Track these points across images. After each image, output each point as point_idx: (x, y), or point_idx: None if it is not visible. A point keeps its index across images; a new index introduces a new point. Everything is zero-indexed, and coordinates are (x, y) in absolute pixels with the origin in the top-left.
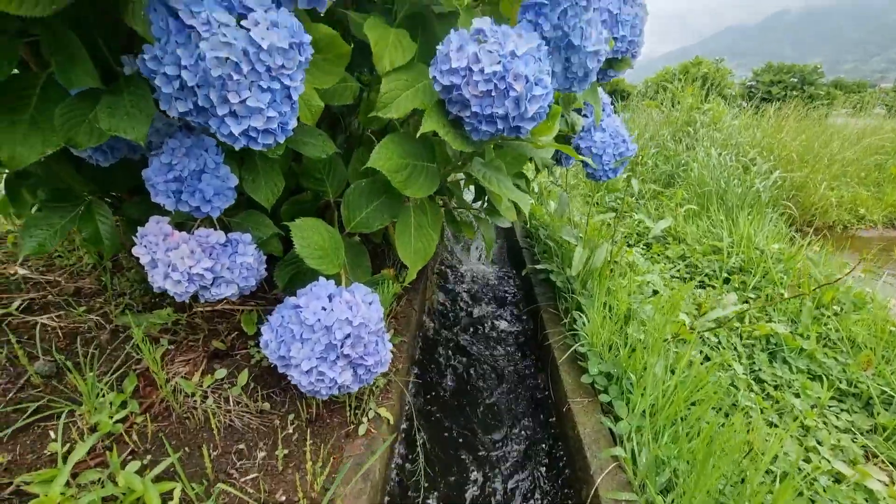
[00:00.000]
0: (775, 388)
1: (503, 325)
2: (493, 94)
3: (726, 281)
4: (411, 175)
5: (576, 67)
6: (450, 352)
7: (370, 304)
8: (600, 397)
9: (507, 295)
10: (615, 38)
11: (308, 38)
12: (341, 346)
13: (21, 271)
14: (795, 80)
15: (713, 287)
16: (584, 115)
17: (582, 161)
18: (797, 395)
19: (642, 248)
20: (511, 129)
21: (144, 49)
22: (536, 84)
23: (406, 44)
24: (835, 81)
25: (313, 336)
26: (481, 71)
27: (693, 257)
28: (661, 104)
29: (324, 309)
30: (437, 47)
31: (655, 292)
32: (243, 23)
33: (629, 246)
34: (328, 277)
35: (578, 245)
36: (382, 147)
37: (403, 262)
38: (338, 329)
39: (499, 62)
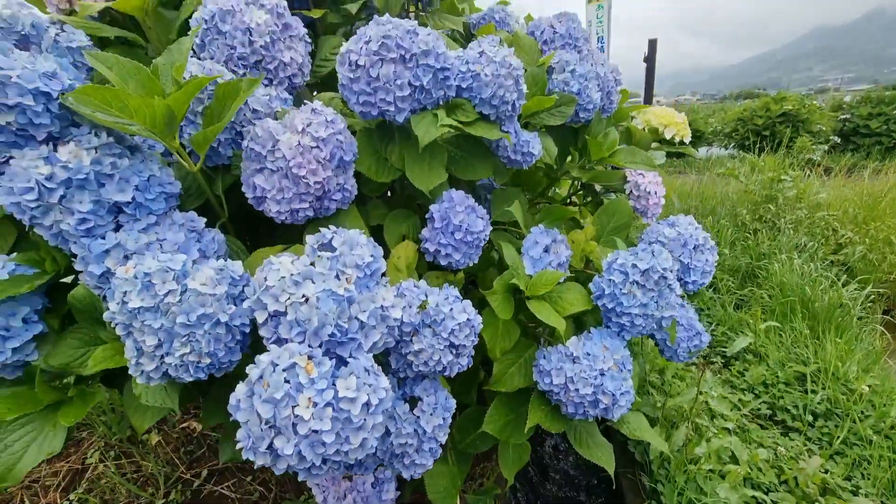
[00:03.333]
0: None
1: (581, 482)
2: (586, 403)
3: (811, 424)
4: (515, 427)
5: (653, 321)
6: None
7: None
8: None
9: None
10: (686, 282)
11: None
12: None
13: (199, 426)
14: None
15: (797, 432)
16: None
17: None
18: None
19: (719, 361)
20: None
21: None
22: (622, 395)
23: (511, 329)
24: None
25: None
26: (577, 391)
27: (775, 387)
28: (739, 175)
29: None
30: (540, 360)
31: (733, 457)
32: (415, 410)
33: (709, 362)
34: None
35: (656, 427)
36: (492, 411)
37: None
38: None
39: (590, 385)
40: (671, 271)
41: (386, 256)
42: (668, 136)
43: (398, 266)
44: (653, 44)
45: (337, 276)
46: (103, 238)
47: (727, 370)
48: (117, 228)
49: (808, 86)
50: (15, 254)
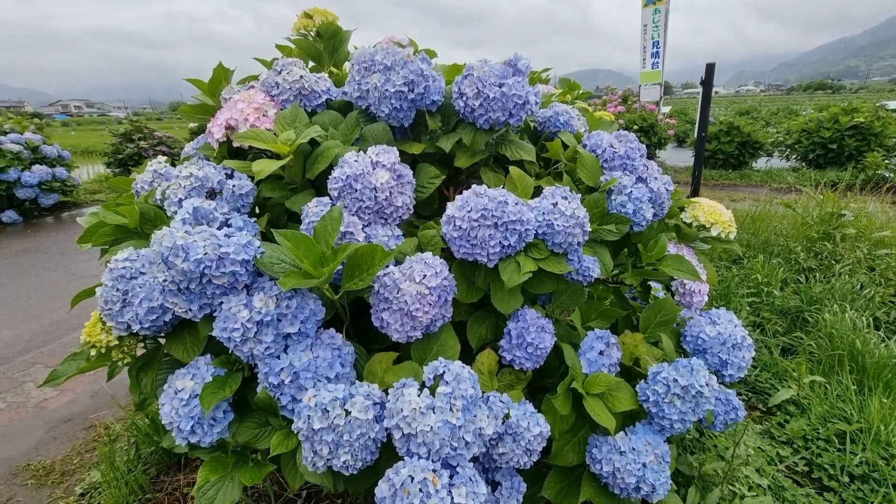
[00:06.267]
0: None
1: None
2: (630, 489)
3: (847, 486)
4: (568, 492)
5: (691, 423)
6: None
7: None
8: None
9: None
10: (723, 375)
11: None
12: None
13: None
14: None
15: (833, 492)
16: None
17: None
18: None
19: (761, 408)
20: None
21: None
22: (661, 484)
23: (569, 416)
24: None
25: None
26: (622, 479)
27: (815, 443)
28: (796, 207)
29: None
30: (592, 449)
31: None
32: (496, 492)
33: (751, 407)
34: None
35: (691, 487)
36: (550, 479)
37: None
38: None
39: (634, 475)
40: (707, 385)
41: (467, 349)
42: (714, 234)
43: (482, 370)
44: (710, 68)
45: (450, 408)
46: (278, 358)
47: (768, 420)
48: (285, 348)
49: (890, 75)
50: (209, 356)
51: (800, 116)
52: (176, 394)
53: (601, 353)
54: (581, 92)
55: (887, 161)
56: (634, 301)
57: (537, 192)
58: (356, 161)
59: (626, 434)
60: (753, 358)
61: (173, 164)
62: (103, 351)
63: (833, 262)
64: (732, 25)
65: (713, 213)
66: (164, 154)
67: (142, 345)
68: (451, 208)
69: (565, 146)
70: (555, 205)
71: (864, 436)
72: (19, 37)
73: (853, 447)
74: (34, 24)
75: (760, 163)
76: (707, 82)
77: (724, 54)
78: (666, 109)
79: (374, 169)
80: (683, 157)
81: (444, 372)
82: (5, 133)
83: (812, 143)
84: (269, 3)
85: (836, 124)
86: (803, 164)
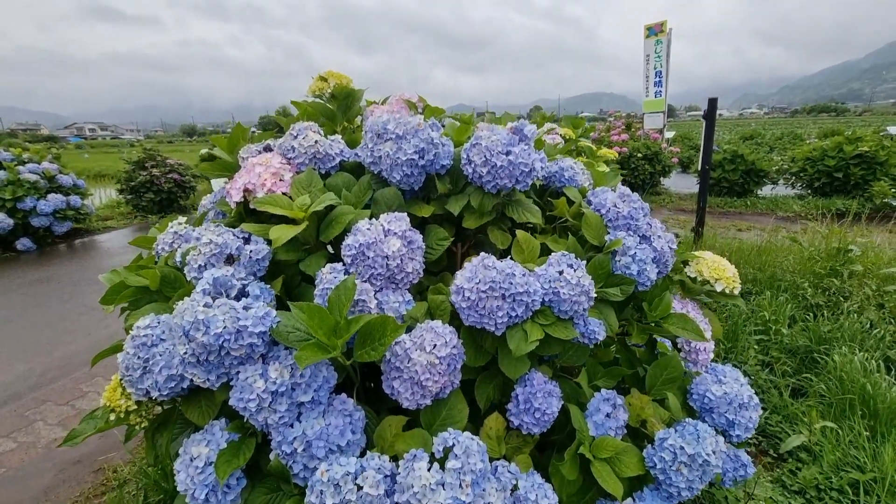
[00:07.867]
0: None
1: None
2: None
3: None
4: None
5: (699, 490)
6: None
7: None
8: None
9: None
10: (730, 435)
11: None
12: None
13: None
14: None
15: None
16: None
17: None
18: None
19: (772, 453)
20: None
21: None
22: None
23: (577, 480)
24: None
25: None
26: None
27: (828, 493)
28: (801, 241)
29: None
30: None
31: None
32: None
33: (761, 452)
34: None
35: None
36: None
37: None
38: None
39: None
40: (714, 453)
41: (474, 407)
42: (718, 290)
43: (490, 435)
44: (713, 102)
45: (460, 484)
46: (291, 426)
47: (779, 466)
48: (298, 415)
49: (894, 98)
50: (224, 420)
51: (804, 144)
52: (192, 461)
53: (608, 415)
54: (585, 128)
55: (894, 190)
56: (638, 348)
57: (543, 248)
58: (369, 229)
59: (633, 501)
60: (763, 399)
61: (194, 211)
62: (122, 416)
63: (841, 298)
64: (735, 50)
65: (717, 268)
66: (175, 181)
67: (158, 407)
68: (460, 279)
69: (570, 201)
70: (560, 273)
71: (877, 486)
72: (39, 61)
73: (867, 498)
74: (54, 49)
75: (765, 190)
76: (710, 116)
77: (728, 77)
78: (669, 135)
79: (385, 237)
80: (688, 184)
81: (453, 444)
82: (24, 163)
83: (817, 172)
84: (280, 29)
85: (841, 153)
86: (809, 191)
